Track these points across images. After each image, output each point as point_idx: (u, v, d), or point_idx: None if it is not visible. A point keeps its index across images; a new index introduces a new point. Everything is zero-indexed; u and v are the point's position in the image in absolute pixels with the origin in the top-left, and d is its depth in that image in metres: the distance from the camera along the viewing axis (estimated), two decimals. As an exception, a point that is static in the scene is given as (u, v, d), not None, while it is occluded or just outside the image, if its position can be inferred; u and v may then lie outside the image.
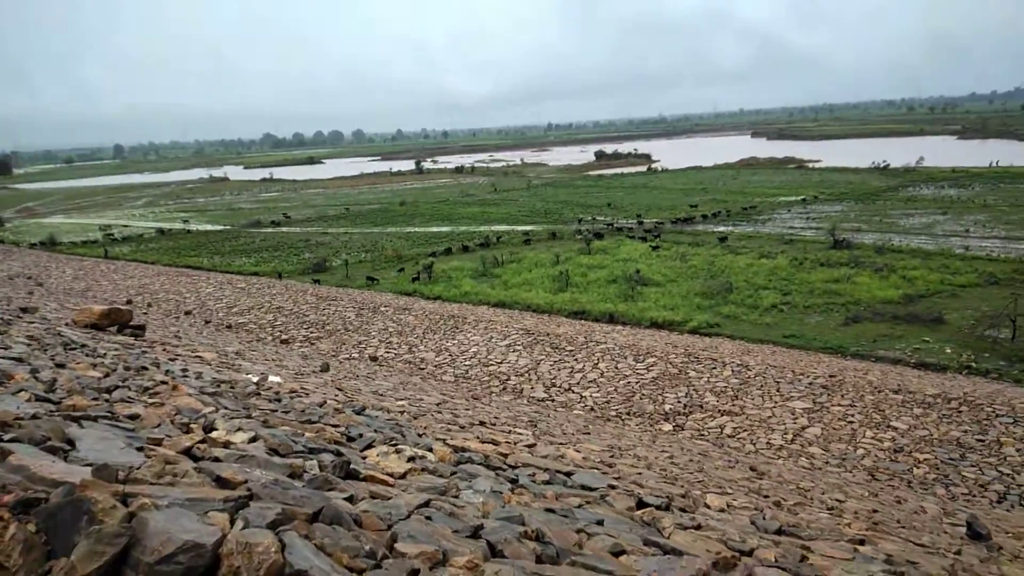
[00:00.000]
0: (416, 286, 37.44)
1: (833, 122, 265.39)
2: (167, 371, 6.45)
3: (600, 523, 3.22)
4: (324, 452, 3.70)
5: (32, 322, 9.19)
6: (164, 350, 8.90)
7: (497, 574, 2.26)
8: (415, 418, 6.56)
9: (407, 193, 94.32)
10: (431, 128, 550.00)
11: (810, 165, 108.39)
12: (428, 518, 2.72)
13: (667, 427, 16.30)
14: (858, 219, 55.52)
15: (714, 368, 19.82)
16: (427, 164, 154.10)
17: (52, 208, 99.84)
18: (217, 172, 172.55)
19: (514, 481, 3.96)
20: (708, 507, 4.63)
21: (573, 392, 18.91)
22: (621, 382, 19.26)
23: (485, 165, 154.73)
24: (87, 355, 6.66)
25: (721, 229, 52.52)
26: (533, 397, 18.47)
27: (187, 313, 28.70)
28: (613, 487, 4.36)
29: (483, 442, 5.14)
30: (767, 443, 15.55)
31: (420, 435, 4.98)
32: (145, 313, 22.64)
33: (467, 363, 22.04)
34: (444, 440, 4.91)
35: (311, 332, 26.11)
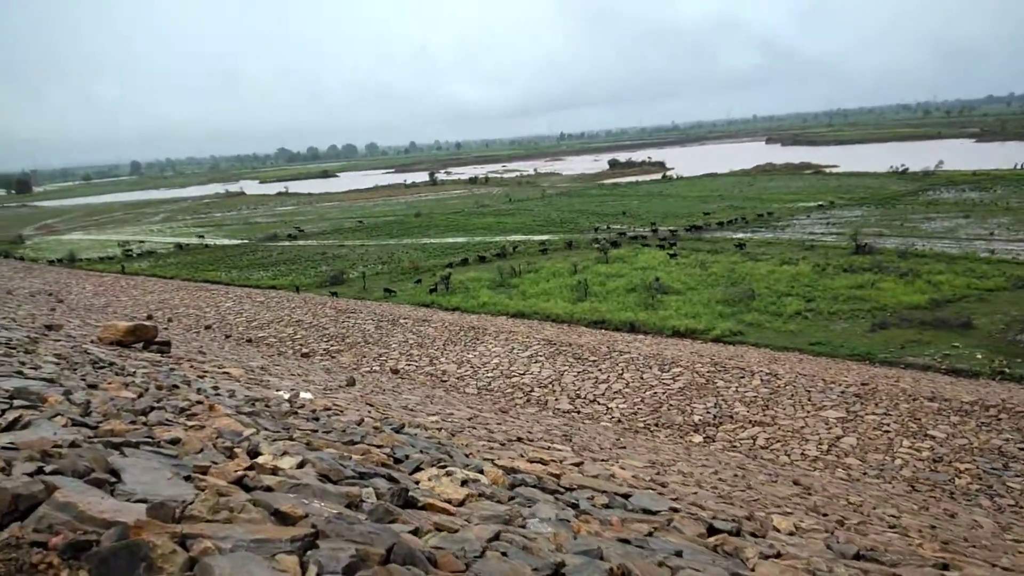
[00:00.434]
0: (434, 297, 37.31)
1: (848, 127, 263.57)
2: (199, 389, 6.28)
3: (679, 554, 2.97)
4: (375, 477, 3.48)
5: (58, 340, 9.08)
6: (192, 367, 8.75)
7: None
8: (452, 435, 6.34)
9: (422, 205, 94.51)
10: (444, 140, 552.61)
11: (827, 170, 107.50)
12: (504, 554, 2.49)
13: (698, 439, 15.95)
14: (879, 224, 54.85)
15: (742, 377, 19.45)
16: (441, 175, 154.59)
17: (71, 225, 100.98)
18: (233, 187, 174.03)
19: (575, 506, 3.72)
20: (777, 530, 4.37)
21: (599, 403, 18.60)
22: (647, 392, 18.93)
23: (499, 175, 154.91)
24: (116, 374, 6.51)
25: (739, 236, 52.03)
26: (558, 409, 18.18)
27: (207, 327, 28.70)
28: (675, 510, 4.11)
29: (531, 462, 4.91)
30: (802, 454, 15.17)
31: (467, 455, 4.76)
32: (166, 328, 22.62)
33: (489, 375, 21.80)
34: (492, 460, 4.68)
35: (331, 345, 26.00)
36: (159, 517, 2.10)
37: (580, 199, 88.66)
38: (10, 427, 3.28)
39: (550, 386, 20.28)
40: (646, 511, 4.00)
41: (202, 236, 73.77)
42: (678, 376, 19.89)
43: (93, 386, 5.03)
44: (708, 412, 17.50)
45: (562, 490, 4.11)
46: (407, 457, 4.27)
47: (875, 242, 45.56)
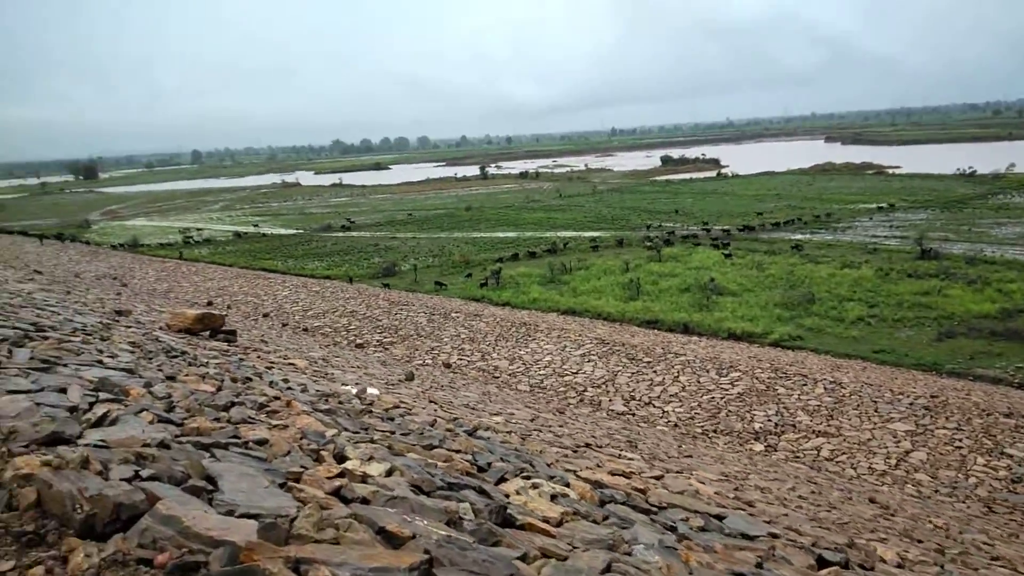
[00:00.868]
0: (484, 292, 37.29)
1: (911, 127, 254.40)
2: (271, 382, 6.23)
3: (800, 591, 2.73)
4: (465, 488, 3.31)
5: (129, 326, 9.21)
6: (259, 357, 8.78)
7: None
8: (524, 439, 6.16)
9: (472, 198, 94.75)
10: (494, 134, 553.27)
11: (889, 171, 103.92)
12: (622, 588, 2.29)
13: (759, 447, 15.47)
14: (945, 228, 52.72)
15: (804, 385, 18.82)
16: (491, 169, 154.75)
17: (134, 211, 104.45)
18: (289, 177, 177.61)
19: (673, 529, 3.50)
20: (884, 561, 4.06)
21: (654, 406, 18.23)
22: (704, 397, 18.47)
23: (549, 171, 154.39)
24: (190, 364, 6.52)
25: (798, 237, 50.64)
26: (613, 410, 17.89)
27: (265, 315, 29.22)
28: (775, 535, 3.84)
29: (612, 474, 4.69)
30: (869, 467, 14.57)
31: (548, 464, 4.57)
32: (225, 315, 23.05)
33: (541, 372, 21.61)
34: (575, 472, 4.48)
35: (384, 337, 26.17)
36: (270, 539, 1.96)
37: (632, 196, 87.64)
38: (99, 423, 3.22)
39: (604, 386, 19.98)
40: (744, 536, 3.75)
41: (257, 225, 75.36)
42: (736, 381, 19.37)
43: (171, 378, 5.00)
44: (769, 420, 16.98)
45: (653, 509, 3.89)
46: (489, 465, 4.10)
47: (941, 247, 43.79)
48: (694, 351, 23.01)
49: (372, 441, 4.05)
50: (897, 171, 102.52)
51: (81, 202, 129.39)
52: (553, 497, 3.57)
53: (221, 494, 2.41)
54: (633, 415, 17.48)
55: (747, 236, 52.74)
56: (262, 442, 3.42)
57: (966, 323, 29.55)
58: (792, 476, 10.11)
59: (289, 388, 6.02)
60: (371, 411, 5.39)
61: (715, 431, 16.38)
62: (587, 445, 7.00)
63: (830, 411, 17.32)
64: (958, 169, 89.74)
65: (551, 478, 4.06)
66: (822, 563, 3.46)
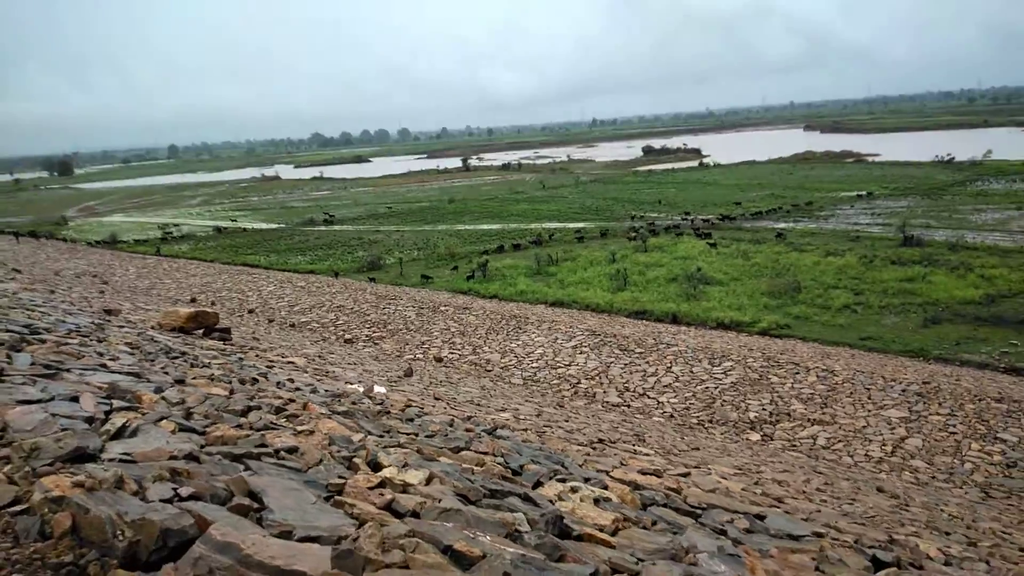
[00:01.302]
0: (471, 284, 37.07)
1: (889, 115, 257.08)
2: (278, 383, 6.03)
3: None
4: (510, 496, 3.15)
5: (122, 326, 8.94)
6: (257, 356, 8.55)
7: None
8: (540, 436, 6.02)
9: (455, 191, 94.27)
10: (475, 126, 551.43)
11: (869, 159, 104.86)
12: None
13: (755, 437, 15.46)
14: (926, 215, 53.24)
15: (797, 373, 18.86)
16: (473, 161, 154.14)
17: (112, 207, 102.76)
18: (269, 171, 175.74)
19: (722, 532, 3.37)
20: (930, 558, 3.98)
21: (649, 397, 18.18)
22: (699, 387, 18.45)
23: (531, 162, 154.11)
24: (192, 364, 6.29)
25: (781, 225, 50.90)
26: (607, 402, 17.81)
27: (250, 311, 28.80)
28: (819, 534, 3.73)
29: (643, 473, 4.56)
30: (865, 455, 14.61)
31: (580, 465, 4.43)
32: (218, 313, 22.65)
33: (534, 365, 21.49)
34: (607, 472, 4.34)
35: (373, 332, 25.90)
36: (346, 567, 1.78)
37: (615, 186, 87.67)
38: (119, 434, 3.02)
39: (597, 378, 19.90)
40: (791, 536, 3.63)
41: (235, 220, 74.39)
42: (729, 371, 19.37)
43: (180, 381, 4.79)
44: (764, 409, 16.98)
45: (696, 511, 3.76)
46: (522, 468, 3.95)
47: (923, 234, 44.18)
48: (685, 341, 23.00)
49: (400, 445, 3.88)
50: (876, 159, 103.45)
51: (57, 198, 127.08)
52: (596, 501, 3.43)
53: (270, 513, 2.23)
54: (628, 407, 17.41)
55: (731, 226, 52.93)
56: (292, 450, 3.24)
57: (950, 309, 29.82)
58: (798, 467, 10.08)
59: (298, 389, 5.82)
60: (388, 412, 5.21)
61: (711, 421, 16.36)
62: (600, 441, 6.87)
63: (824, 399, 17.37)
64: (936, 156, 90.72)
65: (586, 480, 3.91)
66: (877, 564, 3.35)
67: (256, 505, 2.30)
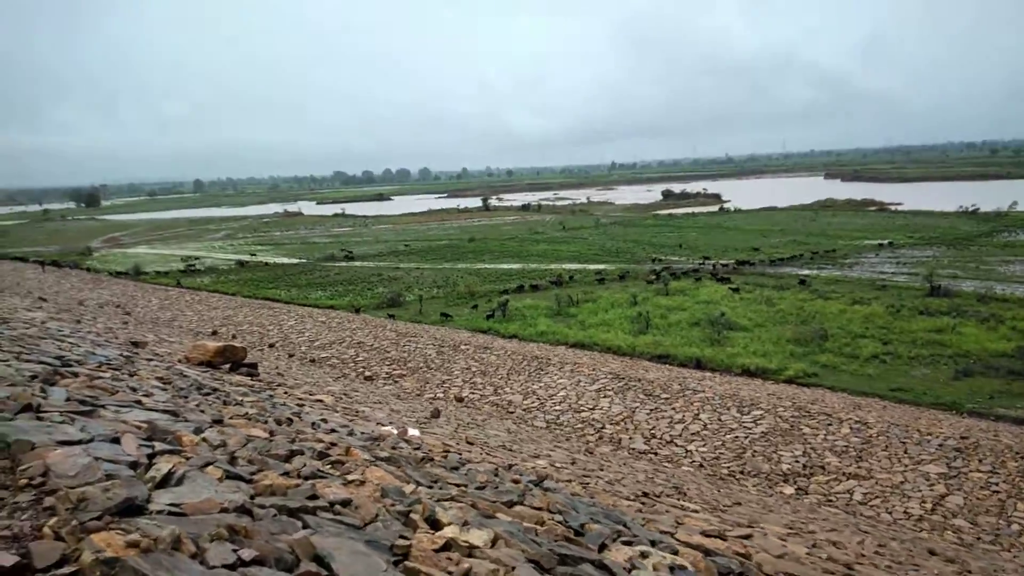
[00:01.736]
0: (491, 323, 36.83)
1: (911, 164, 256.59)
2: (313, 424, 5.81)
3: None
4: (581, 561, 2.89)
5: (150, 359, 8.79)
6: (286, 393, 8.34)
7: None
8: (584, 486, 5.71)
9: (475, 230, 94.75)
10: (495, 166, 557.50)
11: (891, 208, 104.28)
12: None
13: (789, 490, 14.91)
14: (952, 265, 52.53)
15: (829, 424, 18.31)
16: (493, 201, 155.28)
17: (136, 239, 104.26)
18: (291, 207, 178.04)
19: (812, 607, 3.07)
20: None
21: (676, 445, 17.69)
22: (728, 436, 17.94)
23: (551, 203, 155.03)
24: (224, 402, 6.10)
25: (804, 272, 50.42)
26: (634, 449, 17.33)
27: (271, 346, 28.72)
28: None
29: (706, 535, 4.26)
30: (904, 512, 14.01)
31: (642, 525, 4.14)
32: (246, 347, 22.57)
33: (557, 408, 21.09)
34: (671, 534, 4.05)
35: (393, 369, 25.66)
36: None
37: (635, 229, 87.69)
38: (165, 481, 2.80)
39: (622, 424, 19.45)
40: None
41: (254, 254, 75.03)
42: (759, 419, 18.85)
43: (218, 421, 4.58)
44: (796, 461, 16.43)
45: (774, 580, 3.45)
46: (583, 527, 3.67)
47: (951, 284, 43.50)
48: (711, 387, 22.52)
49: (453, 499, 3.62)
50: (899, 208, 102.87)
51: (83, 229, 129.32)
52: (672, 569, 3.15)
53: (341, 583, 2.00)
54: (656, 454, 16.92)
55: (753, 271, 52.51)
56: (346, 503, 3.00)
57: (982, 361, 29.09)
58: (842, 525, 9.60)
59: (334, 431, 5.60)
60: (432, 459, 4.95)
61: (742, 472, 15.83)
62: (645, 494, 6.54)
63: (858, 452, 16.79)
64: (960, 207, 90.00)
65: (653, 543, 3.62)
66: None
67: (324, 572, 2.06)
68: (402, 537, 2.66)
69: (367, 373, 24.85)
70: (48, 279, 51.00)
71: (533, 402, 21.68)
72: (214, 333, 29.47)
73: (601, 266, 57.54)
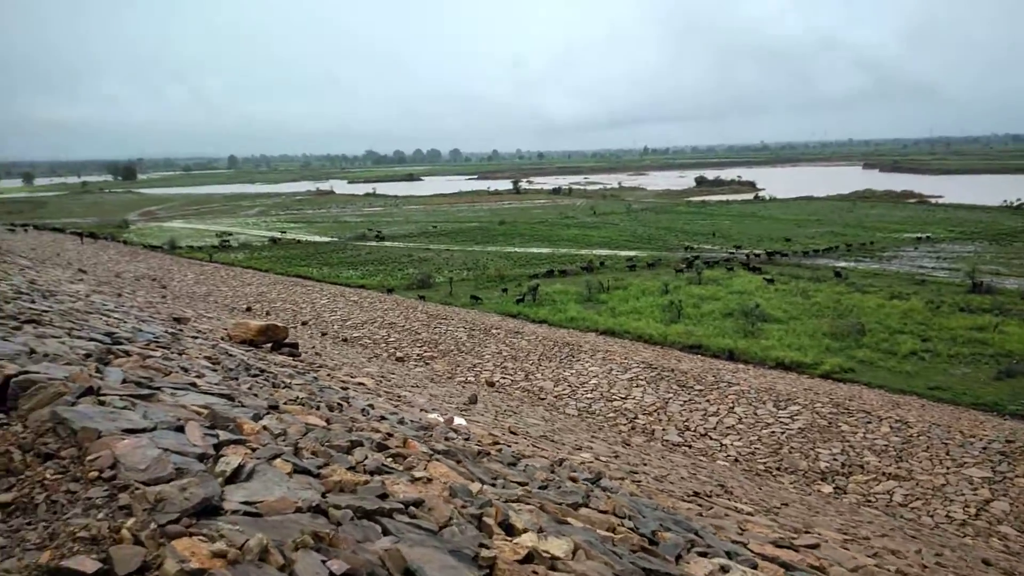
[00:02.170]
0: (521, 308, 36.67)
1: (952, 155, 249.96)
2: (362, 410, 5.72)
3: None
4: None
5: (195, 337, 8.79)
6: (328, 375, 8.29)
7: None
8: (636, 483, 5.55)
9: (505, 212, 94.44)
10: (525, 149, 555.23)
11: (932, 200, 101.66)
12: None
13: (827, 488, 14.62)
14: (995, 261, 51.04)
15: (868, 422, 17.90)
16: (523, 184, 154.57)
17: (172, 213, 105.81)
18: (323, 185, 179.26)
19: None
20: None
21: (711, 438, 17.44)
22: (764, 431, 17.64)
23: (581, 187, 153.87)
24: (273, 384, 6.03)
25: (841, 264, 49.39)
26: (668, 441, 17.13)
27: (304, 324, 28.92)
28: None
29: (778, 546, 4.08)
30: (946, 516, 13.65)
31: (713, 533, 3.97)
32: (287, 328, 22.74)
33: (588, 396, 20.93)
34: (744, 544, 3.87)
35: (425, 351, 25.68)
36: None
37: (667, 216, 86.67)
38: (235, 476, 2.69)
39: (655, 414, 19.23)
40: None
41: (284, 232, 75.62)
42: (796, 415, 18.50)
43: (274, 407, 4.49)
44: (835, 459, 16.10)
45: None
46: (654, 535, 3.52)
47: (993, 281, 42.25)
48: (746, 380, 22.17)
49: (519, 499, 3.48)
50: (939, 200, 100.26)
51: (120, 202, 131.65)
52: (756, 586, 2.97)
53: (437, 603, 1.86)
54: (690, 447, 16.70)
55: (787, 262, 51.60)
56: (418, 503, 2.87)
57: (1026, 362, 28.25)
58: (890, 529, 9.34)
59: (384, 418, 5.49)
60: (488, 453, 4.82)
61: (779, 469, 15.55)
62: (695, 494, 6.37)
63: (898, 452, 16.39)
64: (1004, 201, 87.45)
65: (728, 555, 3.45)
66: None
67: (419, 590, 1.93)
68: (482, 545, 2.52)
69: (398, 354, 24.91)
70: (87, 251, 51.97)
71: (564, 389, 21.54)
72: (248, 309, 29.75)
73: (632, 253, 56.99)
